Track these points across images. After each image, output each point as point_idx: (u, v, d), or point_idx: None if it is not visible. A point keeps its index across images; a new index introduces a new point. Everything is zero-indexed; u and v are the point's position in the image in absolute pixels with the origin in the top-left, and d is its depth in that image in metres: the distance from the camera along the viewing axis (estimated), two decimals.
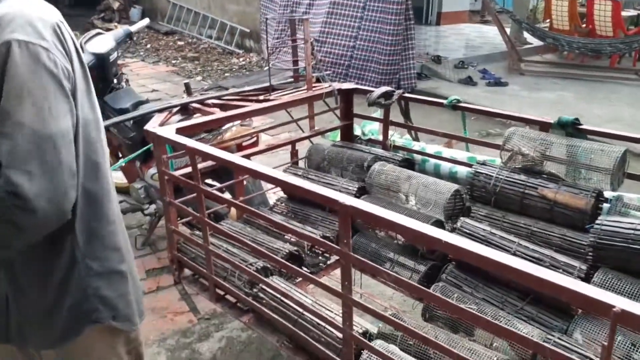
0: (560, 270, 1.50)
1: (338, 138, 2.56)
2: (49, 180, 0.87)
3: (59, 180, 0.89)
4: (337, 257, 2.02)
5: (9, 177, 0.84)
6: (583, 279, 1.46)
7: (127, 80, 3.14)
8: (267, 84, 2.48)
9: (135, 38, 3.06)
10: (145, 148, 2.57)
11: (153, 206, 2.90)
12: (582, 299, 0.94)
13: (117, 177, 3.48)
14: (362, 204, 1.30)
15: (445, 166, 2.19)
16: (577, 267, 1.52)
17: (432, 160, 2.23)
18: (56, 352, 1.11)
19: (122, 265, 1.16)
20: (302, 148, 2.43)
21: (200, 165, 1.97)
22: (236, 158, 1.71)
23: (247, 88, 2.57)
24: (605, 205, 1.70)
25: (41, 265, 1.03)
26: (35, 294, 1.05)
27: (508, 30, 7.84)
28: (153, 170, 2.78)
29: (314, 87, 2.41)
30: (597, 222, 1.54)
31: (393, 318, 1.32)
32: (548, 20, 8.35)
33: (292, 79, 2.56)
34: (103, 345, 1.14)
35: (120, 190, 3.54)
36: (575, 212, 1.67)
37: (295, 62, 2.54)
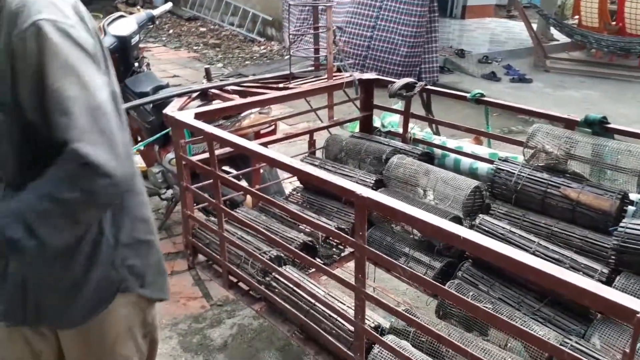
0: (581, 273, 1.46)
1: (357, 129, 2.53)
2: (110, 148, 0.90)
3: (117, 148, 0.91)
4: (352, 250, 2.00)
5: (77, 150, 0.86)
6: (604, 283, 1.42)
7: (148, 64, 3.15)
8: (287, 72, 2.46)
9: (157, 22, 3.06)
10: (163, 132, 2.57)
11: (170, 191, 2.92)
12: (605, 303, 0.90)
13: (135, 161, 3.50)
14: (379, 196, 1.28)
15: (466, 162, 2.15)
16: (598, 271, 1.47)
17: (453, 155, 2.19)
18: (75, 331, 1.11)
19: (150, 236, 1.18)
20: (320, 138, 2.41)
21: (217, 152, 1.96)
22: (253, 145, 1.70)
23: (266, 75, 2.55)
24: (631, 208, 1.65)
25: None
26: (60, 271, 1.05)
27: (535, 26, 7.67)
28: (171, 155, 2.79)
29: (335, 76, 2.38)
30: (621, 224, 1.49)
31: (406, 313, 1.29)
32: (576, 17, 8.13)
33: (312, 68, 2.54)
34: (121, 326, 1.15)
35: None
36: (599, 213, 1.62)
37: (317, 51, 2.51)
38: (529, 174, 1.78)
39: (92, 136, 0.88)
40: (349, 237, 1.41)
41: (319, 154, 2.44)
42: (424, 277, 1.27)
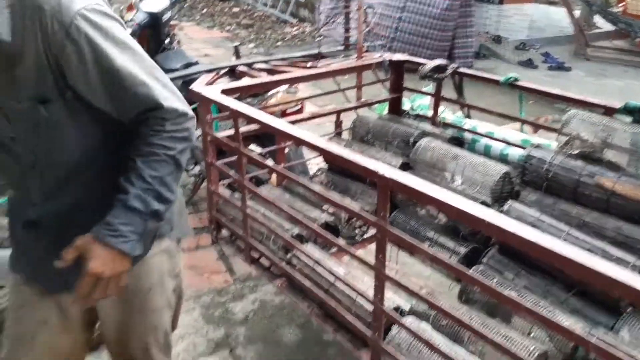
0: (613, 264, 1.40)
1: (385, 111, 2.49)
2: (177, 95, 1.00)
3: (178, 92, 1.01)
4: (374, 231, 1.98)
5: (169, 107, 0.96)
6: None
7: (178, 42, 3.17)
8: (316, 51, 2.43)
9: (189, 0, 3.06)
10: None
11: (197, 167, 2.95)
12: (638, 294, 0.86)
13: None
14: (402, 177, 1.25)
15: (497, 147, 2.09)
16: (630, 263, 1.42)
17: (483, 141, 2.13)
18: None
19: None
20: (347, 121, 2.38)
21: (243, 129, 1.96)
22: (279, 122, 1.68)
23: (295, 54, 2.53)
24: None
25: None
26: None
27: (577, 13, 7.36)
28: (198, 132, 2.81)
29: (364, 56, 2.34)
30: None
31: (426, 296, 1.27)
32: (622, 5, 7.76)
33: (343, 46, 2.50)
34: (155, 276, 1.18)
35: None
36: (635, 204, 1.55)
37: (347, 30, 2.47)
38: (562, 162, 1.72)
39: (166, 92, 0.97)
40: (371, 217, 1.39)
41: (345, 136, 2.41)
42: (447, 260, 1.24)
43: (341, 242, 1.61)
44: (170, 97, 0.98)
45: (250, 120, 1.82)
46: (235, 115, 1.84)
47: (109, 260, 0.94)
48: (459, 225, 1.79)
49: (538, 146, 1.87)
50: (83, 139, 1.00)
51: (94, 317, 1.21)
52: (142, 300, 1.17)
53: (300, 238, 1.81)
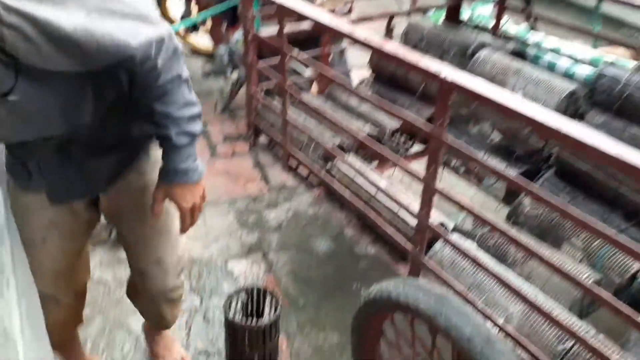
0: None
1: (441, 20, 2.28)
2: (143, 16, 0.89)
3: (143, 7, 0.90)
4: (420, 148, 1.88)
5: (142, 46, 0.87)
6: None
7: None
8: None
9: None
10: (229, 4, 2.44)
11: (236, 73, 2.84)
12: None
13: (201, 43, 3.47)
14: (469, 80, 1.13)
15: (562, 65, 1.90)
16: None
17: (548, 56, 1.93)
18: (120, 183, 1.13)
19: None
20: (399, 29, 2.20)
21: (285, 32, 1.82)
22: (329, 18, 1.54)
23: None
24: None
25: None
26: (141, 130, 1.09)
27: None
28: (238, 35, 2.68)
29: None
30: None
31: (478, 211, 1.19)
32: None
33: None
34: (156, 170, 1.15)
35: (206, 54, 3.50)
36: None
37: None
38: (639, 82, 1.54)
39: (129, 23, 0.86)
40: (426, 125, 1.28)
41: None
42: (505, 172, 1.14)
43: (388, 152, 1.52)
44: (137, 28, 0.86)
45: (298, 16, 1.69)
46: (281, 11, 1.71)
47: (191, 192, 1.06)
48: (514, 145, 1.67)
49: (612, 64, 1.68)
50: (66, 94, 0.91)
51: (95, 222, 1.20)
52: (150, 193, 1.14)
53: (342, 149, 1.73)
